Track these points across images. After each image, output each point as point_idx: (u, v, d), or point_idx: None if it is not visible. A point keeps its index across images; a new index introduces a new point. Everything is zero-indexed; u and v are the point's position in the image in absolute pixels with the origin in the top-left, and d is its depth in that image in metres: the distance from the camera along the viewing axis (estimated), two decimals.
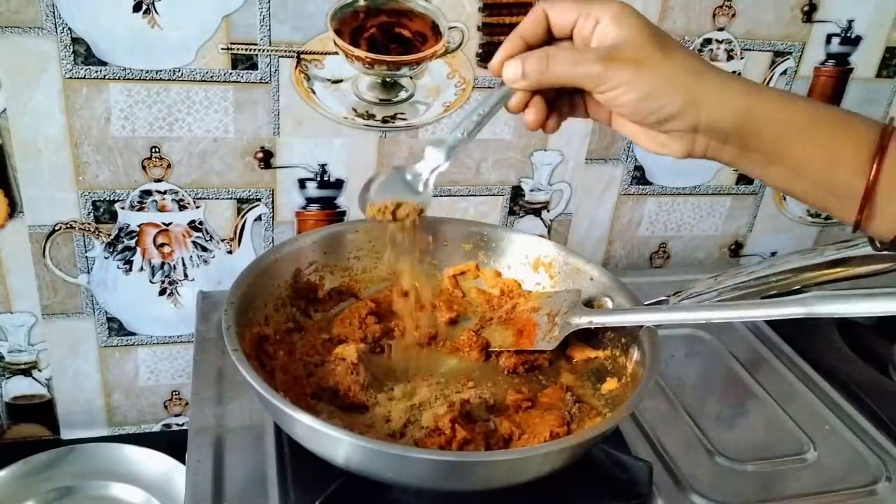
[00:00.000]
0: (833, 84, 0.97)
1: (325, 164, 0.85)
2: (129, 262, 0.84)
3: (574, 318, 0.67)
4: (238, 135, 0.81)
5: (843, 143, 0.50)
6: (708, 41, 0.90)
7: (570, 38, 0.55)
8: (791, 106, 0.52)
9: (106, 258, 0.83)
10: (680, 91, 0.51)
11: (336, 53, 0.79)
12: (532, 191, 0.93)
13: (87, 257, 0.83)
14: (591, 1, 0.53)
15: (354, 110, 0.83)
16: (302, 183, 0.85)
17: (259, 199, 0.85)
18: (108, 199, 0.80)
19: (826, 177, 0.51)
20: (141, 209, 0.82)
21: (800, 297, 0.55)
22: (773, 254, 1.08)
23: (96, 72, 0.74)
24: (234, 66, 0.77)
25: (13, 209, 0.79)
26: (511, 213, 0.94)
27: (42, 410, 0.90)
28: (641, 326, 0.64)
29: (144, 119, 0.77)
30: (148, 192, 0.81)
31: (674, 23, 0.88)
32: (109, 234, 0.82)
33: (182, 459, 0.85)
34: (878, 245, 0.53)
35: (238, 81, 0.78)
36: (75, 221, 0.81)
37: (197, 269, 0.87)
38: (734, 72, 0.92)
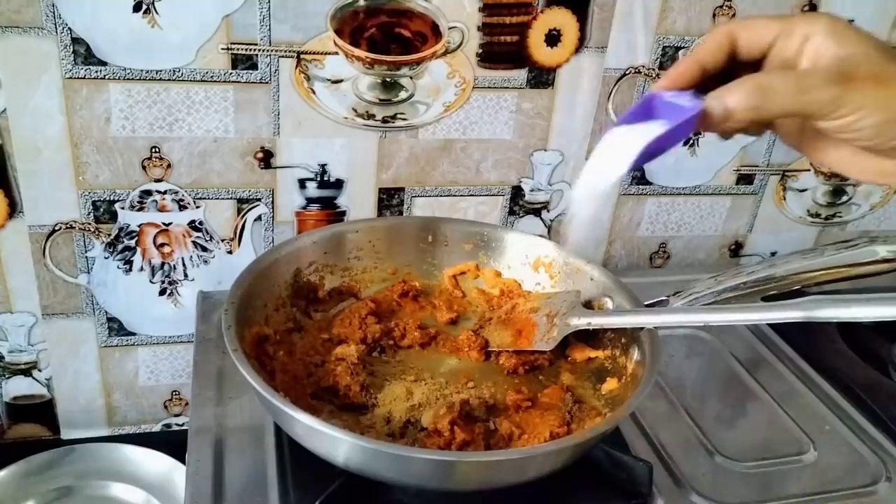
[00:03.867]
0: None
1: (325, 164, 0.85)
2: (129, 262, 0.84)
3: (573, 319, 0.67)
4: (238, 135, 0.81)
5: None
6: None
7: (755, 63, 0.48)
8: None
9: (106, 258, 0.83)
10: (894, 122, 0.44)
11: (336, 53, 0.79)
12: (532, 191, 0.93)
13: (87, 257, 0.83)
14: (791, 17, 0.47)
15: (354, 110, 0.83)
16: (302, 183, 0.85)
17: (259, 199, 0.85)
18: (108, 199, 0.80)
19: None
20: (141, 209, 0.82)
21: (799, 300, 0.55)
22: (773, 254, 1.08)
23: (96, 72, 0.74)
24: (234, 66, 0.77)
25: (13, 209, 0.79)
26: (511, 213, 0.94)
27: (42, 410, 0.90)
28: (641, 328, 0.65)
29: (144, 119, 0.77)
30: (148, 192, 0.81)
31: (674, 23, 0.88)
32: (109, 234, 0.82)
33: (182, 459, 0.85)
34: None
35: (238, 81, 0.78)
36: (75, 221, 0.81)
37: (197, 269, 0.87)
38: None
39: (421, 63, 0.82)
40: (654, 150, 0.47)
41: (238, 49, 0.77)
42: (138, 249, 0.84)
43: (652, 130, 0.47)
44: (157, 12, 0.73)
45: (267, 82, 0.79)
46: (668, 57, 0.89)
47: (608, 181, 0.49)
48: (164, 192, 0.82)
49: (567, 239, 0.55)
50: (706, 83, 0.48)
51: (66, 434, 0.92)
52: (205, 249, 0.86)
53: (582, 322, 0.66)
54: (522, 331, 0.70)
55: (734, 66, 0.49)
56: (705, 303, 0.67)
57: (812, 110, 0.45)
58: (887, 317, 0.52)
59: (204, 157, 0.81)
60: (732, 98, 0.45)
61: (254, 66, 0.78)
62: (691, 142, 0.95)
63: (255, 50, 0.77)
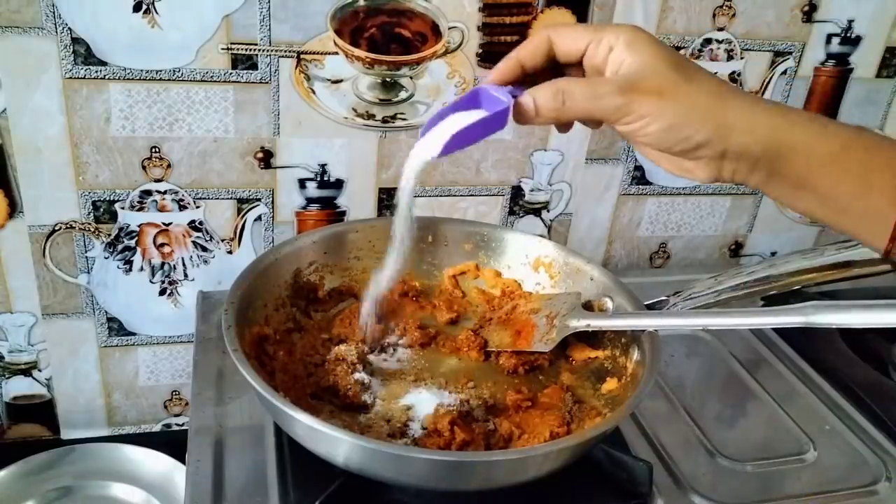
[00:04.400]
0: (833, 84, 0.97)
1: (325, 164, 0.85)
2: (129, 262, 0.84)
3: (572, 320, 0.67)
4: (238, 135, 0.81)
5: (876, 168, 0.49)
6: (708, 41, 0.90)
7: (576, 64, 0.53)
8: (821, 130, 0.50)
9: (106, 258, 0.83)
10: (707, 119, 0.49)
11: (336, 53, 0.79)
12: (532, 191, 0.93)
13: (87, 257, 0.83)
14: (602, 26, 0.51)
15: (354, 110, 0.83)
16: (302, 183, 0.85)
17: (259, 199, 0.85)
18: (108, 199, 0.80)
19: (857, 203, 0.50)
20: (141, 209, 0.82)
21: (798, 306, 0.55)
22: (773, 254, 1.08)
23: (96, 72, 0.74)
24: (234, 66, 0.77)
25: (13, 209, 0.79)
26: (511, 213, 0.94)
27: (42, 410, 0.90)
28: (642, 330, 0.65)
29: (144, 119, 0.77)
30: (148, 192, 0.81)
31: (674, 23, 0.88)
32: (109, 234, 0.82)
33: (182, 459, 0.85)
34: None
35: (238, 81, 0.78)
36: (75, 221, 0.81)
37: (197, 269, 0.87)
38: (734, 72, 0.92)
39: (421, 63, 0.82)
40: (472, 136, 0.53)
41: (238, 49, 0.77)
42: (138, 249, 0.84)
43: (469, 117, 0.52)
44: (157, 12, 0.73)
45: (267, 82, 0.79)
46: None
47: (423, 159, 0.55)
48: (164, 192, 0.82)
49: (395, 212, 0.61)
50: (531, 80, 0.53)
51: (66, 434, 0.92)
52: (205, 249, 0.86)
53: (581, 324, 0.66)
54: (522, 331, 0.70)
55: (557, 66, 0.54)
56: (705, 303, 0.67)
57: (604, 116, 0.50)
58: (887, 324, 0.52)
59: (204, 157, 0.81)
60: (539, 97, 0.51)
61: (254, 66, 0.78)
62: None
63: (255, 50, 0.77)
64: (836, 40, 0.94)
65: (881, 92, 0.99)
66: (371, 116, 0.83)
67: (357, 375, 0.64)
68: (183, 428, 0.94)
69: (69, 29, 0.72)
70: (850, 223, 0.52)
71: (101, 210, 0.81)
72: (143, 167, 0.80)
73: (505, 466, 0.54)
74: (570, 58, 0.52)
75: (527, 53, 0.53)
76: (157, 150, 0.79)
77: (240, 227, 0.86)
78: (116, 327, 0.88)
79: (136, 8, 0.73)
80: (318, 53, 0.79)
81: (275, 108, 0.80)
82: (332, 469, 0.55)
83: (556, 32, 0.53)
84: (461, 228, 0.80)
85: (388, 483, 0.57)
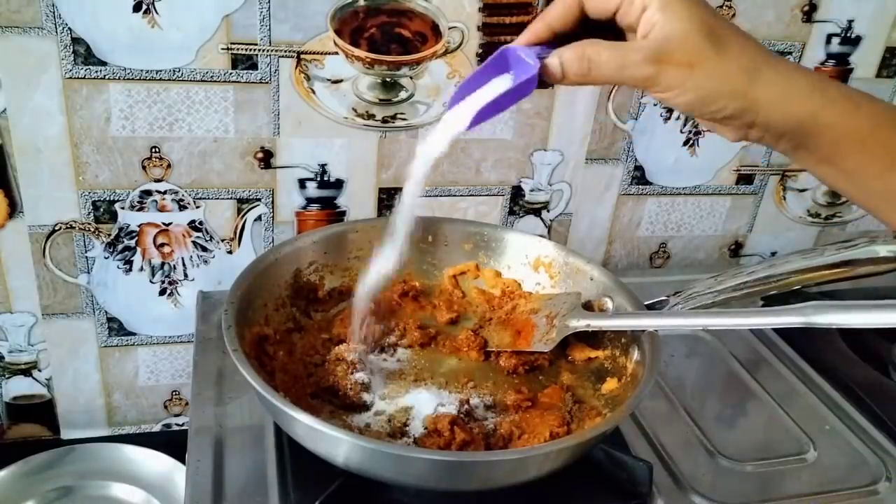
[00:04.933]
0: None
1: (325, 164, 0.85)
2: (129, 262, 0.84)
3: (572, 320, 0.67)
4: (238, 135, 0.81)
5: None
6: None
7: (609, 21, 0.50)
8: (854, 110, 0.49)
9: (106, 258, 0.83)
10: (736, 96, 0.48)
11: (336, 53, 0.79)
12: (532, 191, 0.93)
13: (87, 257, 0.83)
14: None
15: (354, 110, 0.83)
16: (302, 183, 0.85)
17: (259, 199, 0.85)
18: (108, 199, 0.80)
19: (881, 182, 0.50)
20: (141, 209, 0.82)
21: (798, 306, 0.55)
22: (773, 254, 1.08)
23: (96, 72, 0.74)
24: (234, 66, 0.77)
25: (13, 209, 0.79)
26: (511, 213, 0.94)
27: (42, 410, 0.90)
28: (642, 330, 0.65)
29: (144, 119, 0.77)
30: (148, 192, 0.81)
31: None
32: (109, 234, 0.82)
33: (182, 459, 0.85)
34: None
35: (238, 81, 0.78)
36: (75, 221, 0.81)
37: (197, 269, 0.87)
38: None
39: (421, 63, 0.82)
40: (501, 105, 0.52)
41: (238, 49, 0.77)
42: (138, 249, 0.84)
43: (496, 88, 0.52)
44: (157, 12, 0.73)
45: (267, 82, 0.79)
46: None
47: (453, 132, 0.54)
48: (164, 192, 0.82)
49: (409, 173, 0.59)
50: (559, 41, 0.51)
51: (66, 434, 0.92)
52: (205, 249, 0.86)
53: (581, 324, 0.66)
54: (521, 331, 0.70)
55: (588, 23, 0.51)
56: (705, 303, 0.67)
57: (631, 83, 0.49)
58: (887, 324, 0.52)
59: (204, 157, 0.81)
60: (566, 61, 0.49)
61: (254, 66, 0.78)
62: (691, 142, 0.95)
63: (255, 50, 0.77)
64: (836, 40, 0.94)
65: (881, 92, 0.99)
66: (371, 116, 0.83)
67: (357, 375, 0.64)
68: (183, 428, 0.94)
69: (69, 29, 0.72)
70: (872, 201, 0.52)
71: (101, 210, 0.81)
72: (143, 167, 0.80)
73: (505, 466, 0.54)
74: (601, 16, 0.50)
75: (556, 15, 0.51)
76: (157, 150, 0.79)
77: (240, 227, 0.86)
78: (116, 327, 0.88)
79: (136, 8, 0.73)
80: (318, 53, 0.79)
81: (275, 108, 0.80)
82: (332, 469, 0.55)
83: None
84: (461, 228, 0.80)
85: (388, 483, 0.57)
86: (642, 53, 0.48)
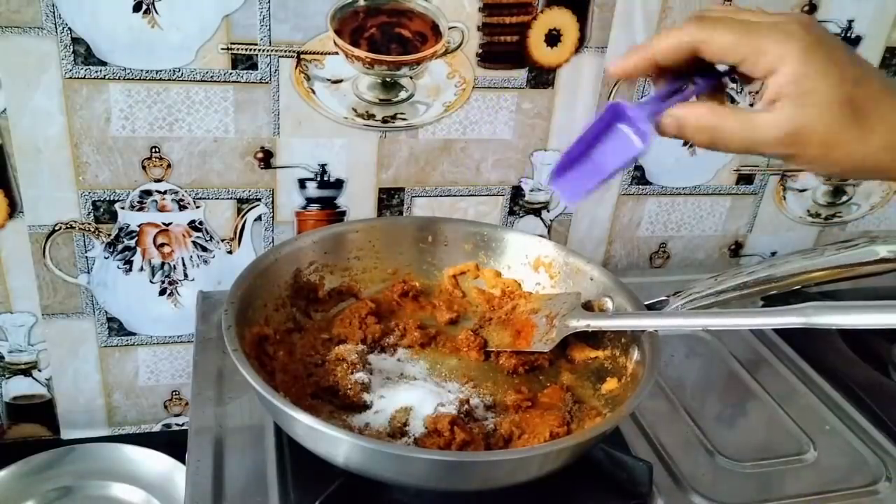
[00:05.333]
0: None
1: (325, 164, 0.85)
2: (129, 262, 0.84)
3: (572, 320, 0.67)
4: (238, 135, 0.81)
5: None
6: None
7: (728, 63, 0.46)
8: None
9: (106, 258, 0.83)
10: (880, 172, 0.45)
11: (336, 53, 0.79)
12: (532, 191, 0.93)
13: (87, 257, 0.83)
14: (760, 33, 0.43)
15: (354, 110, 0.83)
16: (302, 183, 0.85)
17: (259, 199, 0.85)
18: (108, 199, 0.80)
19: None
20: (141, 209, 0.82)
21: (798, 306, 0.55)
22: (773, 254, 1.08)
23: (96, 72, 0.74)
24: (234, 66, 0.77)
25: (13, 209, 0.79)
26: (511, 213, 0.94)
27: (42, 410, 0.90)
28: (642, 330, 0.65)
29: (144, 119, 0.77)
30: (148, 192, 0.81)
31: (674, 23, 0.87)
32: (109, 234, 0.82)
33: (182, 459, 0.85)
34: None
35: (238, 81, 0.78)
36: (75, 221, 0.81)
37: (197, 269, 0.87)
38: None
39: (421, 63, 0.82)
40: (607, 179, 0.51)
41: (238, 49, 0.77)
42: (138, 249, 0.84)
43: (603, 170, 0.50)
44: (157, 12, 0.73)
45: (267, 82, 0.79)
46: None
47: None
48: (164, 192, 0.82)
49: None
50: (659, 74, 0.49)
51: (66, 434, 0.92)
52: (205, 249, 0.86)
53: (581, 324, 0.66)
54: (521, 331, 0.70)
55: (697, 62, 0.48)
56: (705, 303, 0.67)
57: (761, 155, 0.48)
58: (887, 324, 0.52)
59: (204, 157, 0.81)
60: (687, 128, 0.47)
61: (254, 66, 0.78)
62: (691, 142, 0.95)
63: (255, 50, 0.77)
64: None
65: None
66: (371, 116, 0.83)
67: (357, 375, 0.64)
68: (183, 428, 0.94)
69: (69, 29, 0.72)
70: None
71: (101, 210, 0.81)
72: (143, 167, 0.80)
73: (505, 466, 0.54)
74: (720, 61, 0.46)
75: (664, 52, 0.47)
76: (157, 150, 0.79)
77: (240, 227, 0.86)
78: (116, 327, 0.88)
79: (136, 8, 0.73)
80: (318, 53, 0.79)
81: (275, 108, 0.80)
82: (332, 469, 0.55)
83: (703, 34, 0.45)
84: (461, 228, 0.80)
85: (388, 483, 0.57)
86: (773, 133, 0.44)
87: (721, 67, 0.49)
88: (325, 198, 0.87)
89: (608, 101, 0.90)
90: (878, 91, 0.44)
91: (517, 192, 0.93)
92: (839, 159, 0.44)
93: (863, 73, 0.44)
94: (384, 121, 0.84)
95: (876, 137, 0.43)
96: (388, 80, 0.82)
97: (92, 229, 0.81)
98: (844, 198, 1.06)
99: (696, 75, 0.49)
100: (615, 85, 0.89)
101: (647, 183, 0.97)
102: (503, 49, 0.83)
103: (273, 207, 0.86)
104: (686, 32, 0.46)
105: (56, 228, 0.80)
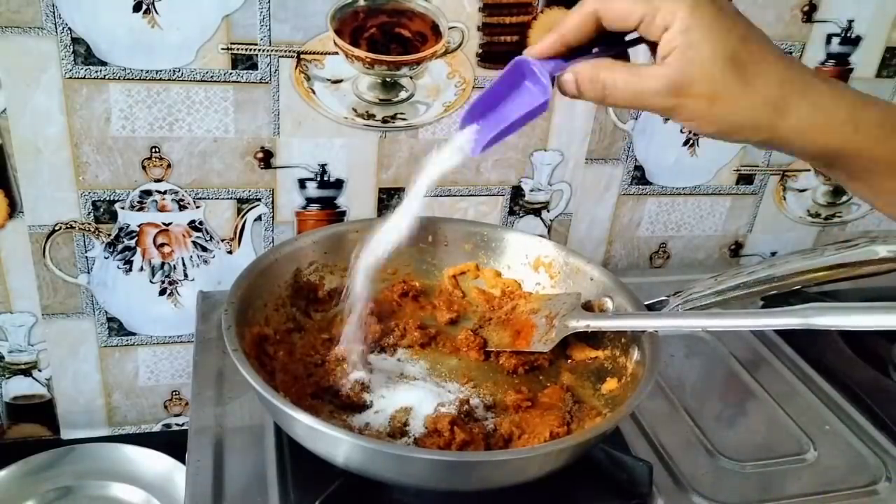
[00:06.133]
0: None
1: (325, 164, 0.85)
2: (129, 262, 0.84)
3: (572, 321, 0.67)
4: (238, 135, 0.81)
5: None
6: None
7: (630, 31, 0.48)
8: (888, 135, 0.47)
9: (106, 258, 0.83)
10: (761, 128, 0.46)
11: (336, 53, 0.79)
12: (532, 191, 0.93)
13: (87, 257, 0.83)
14: None
15: (354, 110, 0.83)
16: (302, 183, 0.85)
17: (259, 199, 0.85)
18: (108, 199, 0.80)
19: None
20: (141, 209, 0.82)
21: (799, 307, 0.55)
22: (773, 254, 1.08)
23: (96, 72, 0.74)
24: (234, 66, 0.77)
25: (13, 209, 0.79)
26: (511, 213, 0.94)
27: (42, 410, 0.90)
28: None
29: (144, 119, 0.77)
30: (148, 192, 0.81)
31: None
32: (109, 234, 0.82)
33: (182, 459, 0.85)
34: None
35: (238, 81, 0.78)
36: (75, 221, 0.81)
37: (197, 269, 0.87)
38: None
39: (421, 63, 0.82)
40: (512, 129, 0.52)
41: (238, 49, 0.77)
42: (138, 249, 0.84)
43: (507, 117, 0.52)
44: (157, 12, 0.73)
45: (267, 82, 0.79)
46: None
47: (465, 154, 0.55)
48: (164, 192, 0.82)
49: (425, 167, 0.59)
50: (574, 54, 0.50)
51: (66, 434, 0.92)
52: (205, 249, 0.86)
53: (580, 324, 0.66)
54: (521, 331, 0.70)
55: (605, 37, 0.49)
56: (705, 303, 0.67)
57: (649, 110, 0.48)
58: (887, 326, 0.52)
59: (204, 157, 0.81)
60: (582, 82, 0.48)
61: (254, 66, 0.78)
62: (691, 142, 0.95)
63: (255, 50, 0.77)
64: (836, 40, 0.94)
65: (881, 92, 0.99)
66: (371, 116, 0.83)
67: (357, 375, 0.64)
68: (183, 428, 0.94)
69: (69, 29, 0.72)
70: None
71: (101, 210, 0.81)
72: (143, 167, 0.80)
73: (505, 466, 0.54)
74: (620, 30, 0.48)
75: (571, 30, 0.49)
76: (157, 150, 0.79)
77: (240, 227, 0.86)
78: (116, 327, 0.88)
79: (136, 8, 0.73)
80: (318, 53, 0.79)
81: (275, 108, 0.80)
82: (332, 469, 0.55)
83: (603, 6, 0.47)
84: (461, 228, 0.80)
85: (388, 483, 0.57)
86: (660, 83, 0.46)
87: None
88: (325, 198, 0.87)
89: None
90: (763, 48, 0.46)
91: (517, 192, 0.93)
92: (720, 114, 0.45)
93: (749, 31, 0.46)
94: (384, 121, 0.84)
95: (757, 91, 0.45)
96: (388, 80, 0.82)
97: (92, 229, 0.81)
98: (844, 198, 1.06)
99: (600, 45, 0.51)
100: None
101: (647, 183, 0.97)
102: (503, 49, 0.83)
103: (273, 207, 0.86)
104: (588, 6, 0.48)
105: (56, 228, 0.80)
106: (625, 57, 0.51)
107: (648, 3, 0.45)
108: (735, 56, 0.44)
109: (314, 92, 0.81)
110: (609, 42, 0.50)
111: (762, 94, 0.45)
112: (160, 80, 0.76)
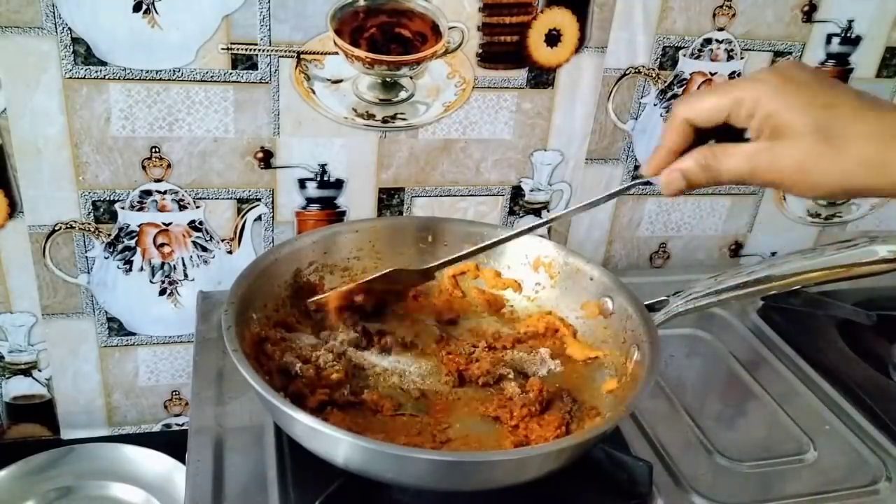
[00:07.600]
0: None
1: (325, 164, 0.85)
2: (129, 262, 0.84)
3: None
4: (238, 135, 0.81)
5: None
6: (708, 41, 0.90)
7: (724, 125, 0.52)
8: None
9: (106, 258, 0.83)
10: (854, 189, 0.48)
11: (336, 53, 0.79)
12: (532, 191, 0.93)
13: (87, 257, 0.83)
14: (734, 86, 0.50)
15: (354, 110, 0.83)
16: (302, 183, 0.85)
17: (259, 199, 0.85)
18: (108, 199, 0.80)
19: None
20: (141, 209, 0.82)
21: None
22: (773, 254, 1.08)
23: (96, 72, 0.74)
24: (234, 66, 0.77)
25: (13, 209, 0.79)
26: (511, 213, 0.94)
27: (42, 410, 0.90)
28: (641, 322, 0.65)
29: (144, 119, 0.77)
30: (148, 192, 0.81)
31: (674, 23, 0.88)
32: (109, 234, 0.82)
33: (182, 459, 0.85)
34: None
35: (238, 81, 0.78)
36: (75, 221, 0.81)
37: (197, 269, 0.87)
38: (734, 72, 0.92)
39: (421, 63, 0.82)
40: None
41: (238, 49, 0.77)
42: (138, 249, 0.84)
43: None
44: (157, 12, 0.73)
45: (267, 82, 0.79)
46: (668, 57, 0.89)
47: None
48: (164, 192, 0.82)
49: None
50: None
51: (66, 434, 0.91)
52: (205, 249, 0.86)
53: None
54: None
55: (703, 133, 0.54)
56: (705, 302, 0.68)
57: (751, 182, 0.52)
58: None
59: (204, 157, 0.81)
60: (687, 172, 0.54)
61: (254, 66, 0.78)
62: None
63: (255, 50, 0.77)
64: (836, 40, 0.94)
65: (881, 92, 0.99)
66: (371, 116, 0.83)
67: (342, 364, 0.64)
68: (183, 428, 0.94)
69: (69, 29, 0.72)
70: None
71: (101, 210, 0.81)
72: (143, 167, 0.80)
73: (505, 466, 0.54)
74: (713, 125, 0.52)
75: (674, 141, 0.54)
76: (157, 150, 0.79)
77: (240, 227, 0.86)
78: (116, 327, 0.88)
79: (136, 8, 0.73)
80: (318, 53, 0.79)
81: (275, 108, 0.80)
82: (332, 469, 0.55)
83: (690, 111, 0.52)
84: (461, 228, 0.80)
85: (388, 483, 0.57)
86: (756, 162, 0.49)
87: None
88: (325, 198, 0.87)
89: (607, 100, 0.90)
90: (850, 111, 0.47)
91: (517, 192, 0.93)
92: (819, 181, 0.47)
93: (834, 96, 0.48)
94: (384, 121, 0.84)
95: (849, 155, 0.46)
96: (388, 80, 0.82)
97: (92, 229, 0.81)
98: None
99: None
100: (615, 85, 0.89)
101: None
102: (503, 49, 0.83)
103: (273, 207, 0.86)
104: (676, 115, 0.53)
105: (56, 228, 0.80)
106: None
107: (730, 95, 0.49)
108: (820, 126, 0.46)
109: (314, 92, 0.81)
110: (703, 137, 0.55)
111: (855, 155, 0.46)
112: (160, 80, 0.76)
